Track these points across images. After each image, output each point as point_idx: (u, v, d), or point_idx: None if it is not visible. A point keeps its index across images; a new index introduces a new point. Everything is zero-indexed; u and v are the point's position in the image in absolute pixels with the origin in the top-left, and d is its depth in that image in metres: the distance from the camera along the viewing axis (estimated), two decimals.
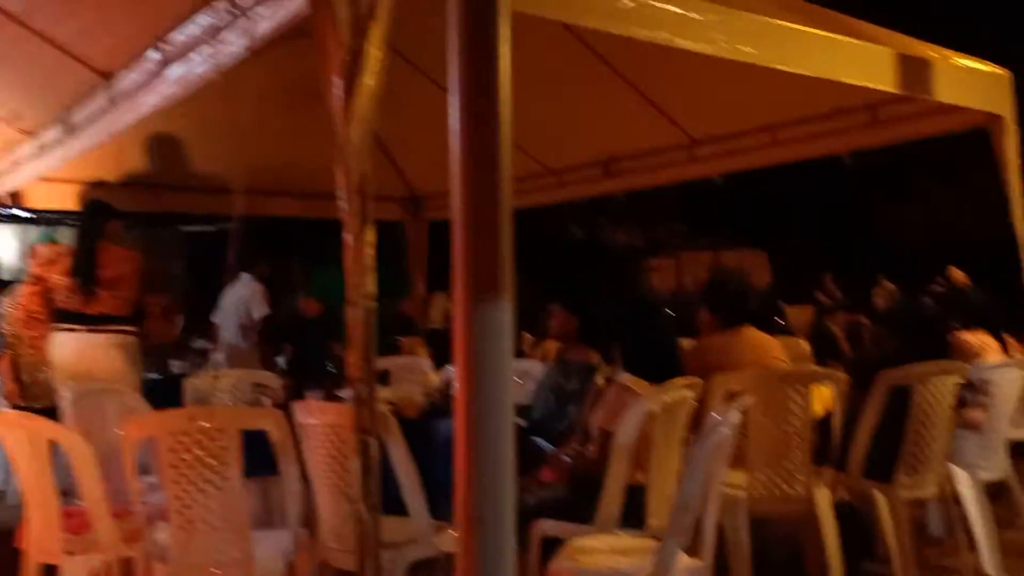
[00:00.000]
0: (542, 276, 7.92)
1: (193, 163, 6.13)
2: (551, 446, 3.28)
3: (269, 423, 2.67)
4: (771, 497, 3.32)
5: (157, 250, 14.26)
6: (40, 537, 2.91)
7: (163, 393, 4.96)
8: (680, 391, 2.95)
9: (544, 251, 12.86)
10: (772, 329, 9.13)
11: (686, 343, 3.89)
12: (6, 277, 10.29)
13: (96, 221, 4.65)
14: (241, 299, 5.98)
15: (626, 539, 2.82)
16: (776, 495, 3.31)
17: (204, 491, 2.59)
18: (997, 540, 3.68)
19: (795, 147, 5.26)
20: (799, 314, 13.54)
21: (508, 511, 1.75)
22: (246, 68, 3.17)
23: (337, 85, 2.30)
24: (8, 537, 3.18)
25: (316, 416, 2.71)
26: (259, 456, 2.87)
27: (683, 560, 2.49)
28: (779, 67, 3.40)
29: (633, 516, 2.96)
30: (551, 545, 2.81)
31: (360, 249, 2.33)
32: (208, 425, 2.57)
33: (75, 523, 2.90)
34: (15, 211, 7.71)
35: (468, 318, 1.74)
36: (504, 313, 1.73)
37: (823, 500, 3.34)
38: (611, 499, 2.87)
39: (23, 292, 4.69)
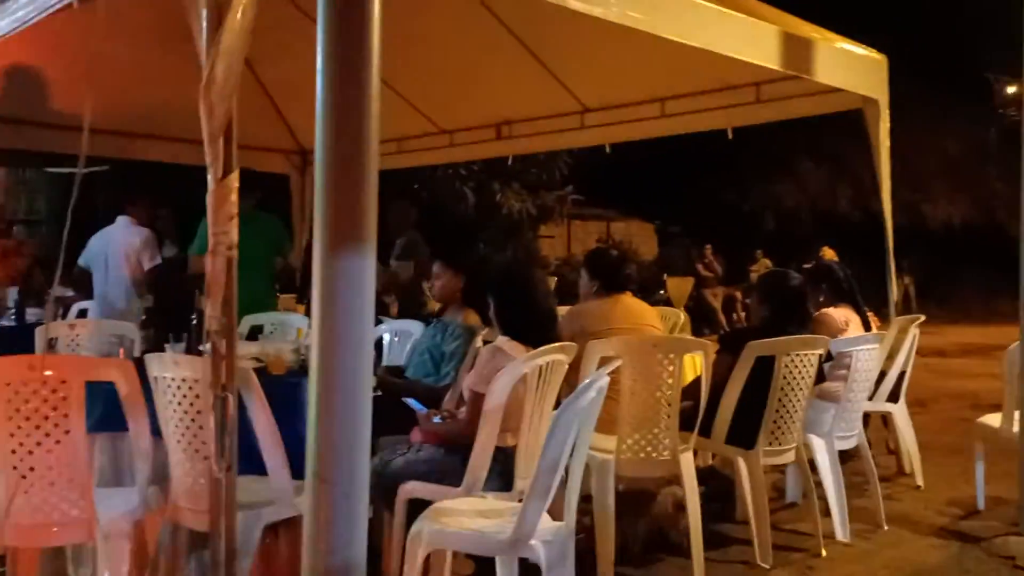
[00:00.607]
0: (434, 236, 7.84)
1: (58, 99, 5.72)
2: (423, 407, 3.23)
3: (116, 375, 2.51)
4: (638, 461, 3.38)
5: (19, 190, 13.38)
6: None
7: (16, 341, 4.65)
8: (553, 355, 2.95)
9: (437, 211, 12.72)
10: (653, 299, 9.37)
11: (563, 309, 3.90)
12: None
13: None
14: (128, 246, 5.49)
15: (492, 502, 2.82)
16: (643, 459, 3.38)
17: (42, 444, 2.41)
18: (848, 506, 3.87)
19: (683, 120, 5.35)
20: (681, 285, 13.98)
21: (361, 471, 1.69)
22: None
23: (202, 17, 2.15)
24: None
25: (170, 369, 2.57)
26: (109, 410, 2.71)
27: (546, 522, 2.50)
28: (668, 36, 3.41)
29: (501, 479, 2.96)
30: (420, 508, 2.77)
31: (223, 196, 2.20)
32: (49, 374, 2.39)
33: None
34: None
35: (328, 267, 1.66)
36: (365, 264, 1.66)
37: (687, 465, 3.43)
38: (479, 462, 2.85)
39: None
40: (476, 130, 6.36)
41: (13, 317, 5.56)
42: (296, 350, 3.41)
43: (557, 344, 3.02)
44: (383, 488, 3.00)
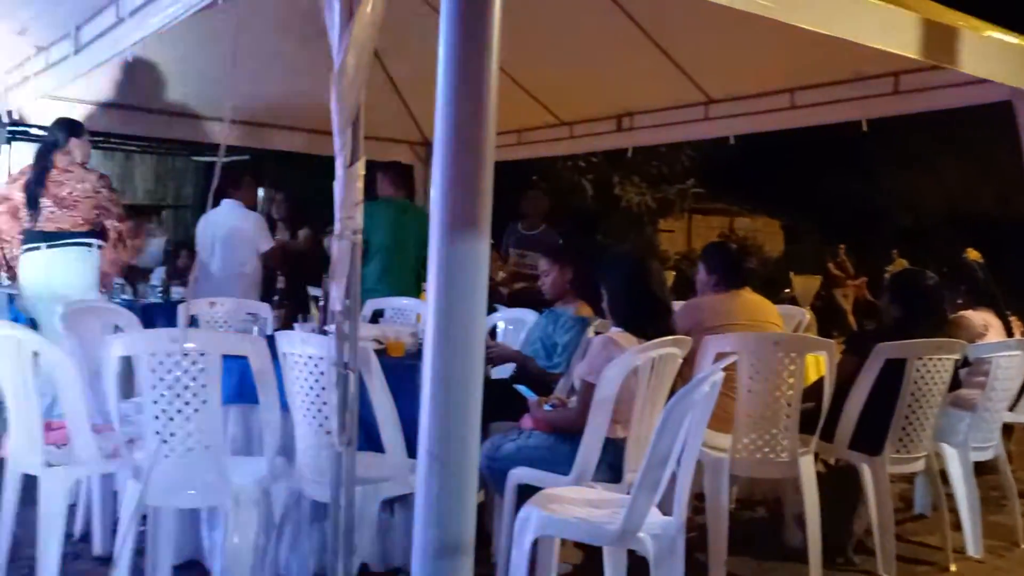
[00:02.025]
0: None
1: (203, 92, 6.08)
2: (534, 395, 3.27)
3: (250, 350, 2.67)
4: (754, 461, 3.31)
5: (169, 178, 14.27)
6: (21, 447, 2.93)
7: (162, 317, 5.00)
8: (666, 348, 2.92)
9: (555, 203, 12.76)
10: (778, 297, 9.06)
11: (679, 303, 3.86)
12: None
13: (53, 139, 4.64)
14: (240, 230, 5.59)
15: (601, 492, 2.82)
16: (759, 460, 3.30)
17: (182, 412, 2.59)
18: (983, 522, 3.67)
19: (814, 112, 5.16)
20: (808, 283, 13.47)
21: (471, 451, 1.74)
22: None
23: (334, 11, 2.24)
24: None
25: (298, 347, 2.71)
26: (243, 383, 2.88)
27: (655, 516, 2.48)
28: (798, 24, 3.29)
29: (611, 470, 2.96)
30: (528, 494, 2.81)
31: (350, 183, 2.29)
32: (190, 347, 2.57)
33: (57, 436, 2.92)
34: (27, 128, 7.70)
35: (443, 254, 1.71)
36: (480, 251, 1.70)
37: (807, 468, 3.33)
38: (588, 451, 2.86)
39: None
40: (596, 121, 6.33)
41: (160, 294, 5.96)
42: (414, 334, 3.52)
43: (671, 337, 2.99)
44: (493, 472, 3.06)
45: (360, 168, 2.30)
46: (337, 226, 2.31)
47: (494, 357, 3.72)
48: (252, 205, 5.86)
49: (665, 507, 2.53)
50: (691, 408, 2.37)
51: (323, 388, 2.63)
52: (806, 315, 5.50)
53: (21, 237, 4.56)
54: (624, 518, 2.39)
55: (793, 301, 11.22)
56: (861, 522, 3.55)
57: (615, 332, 3.04)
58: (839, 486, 3.64)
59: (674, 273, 11.27)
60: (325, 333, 3.10)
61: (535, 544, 2.56)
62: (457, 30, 1.72)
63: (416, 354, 3.28)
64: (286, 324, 4.03)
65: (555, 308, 3.98)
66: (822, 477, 3.51)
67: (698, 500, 3.38)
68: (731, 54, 4.86)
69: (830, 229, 14.85)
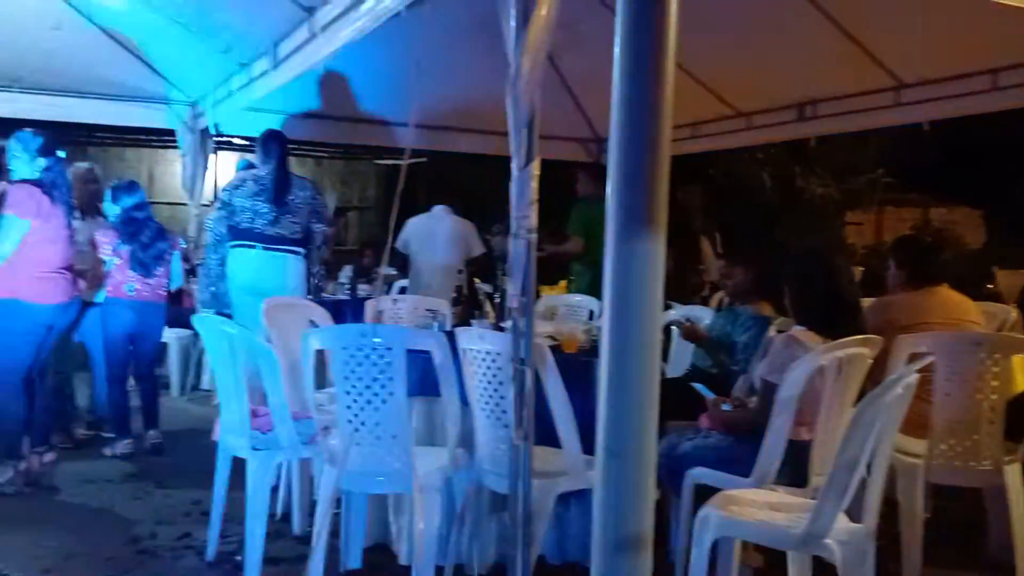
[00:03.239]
0: (729, 223, 7.67)
1: (387, 98, 6.40)
2: (712, 394, 3.20)
3: (432, 345, 2.79)
4: (952, 469, 3.09)
5: (354, 180, 15.07)
6: (231, 433, 3.22)
7: (349, 312, 5.31)
8: (854, 348, 2.78)
9: (733, 197, 12.38)
10: (978, 293, 8.36)
11: (868, 301, 3.65)
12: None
13: (282, 149, 4.98)
14: (455, 233, 6.25)
15: (784, 495, 2.73)
16: (958, 467, 3.08)
17: (371, 403, 2.75)
18: None
19: (1020, 93, 4.72)
20: (1014, 279, 12.31)
21: (649, 448, 1.73)
22: (434, 3, 3.25)
23: (511, 15, 2.30)
24: (208, 431, 3.54)
25: (476, 342, 2.80)
26: (425, 377, 3.01)
27: (842, 522, 2.38)
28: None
29: (794, 473, 2.85)
30: (705, 494, 2.77)
31: (525, 183, 2.35)
32: (377, 341, 2.72)
33: (261, 422, 3.17)
34: (230, 139, 8.39)
35: (619, 251, 1.71)
36: (656, 248, 1.69)
37: (1014, 477, 3.07)
38: (770, 453, 2.77)
39: (211, 216, 5.06)
40: (775, 111, 6.09)
41: (347, 291, 6.35)
42: (588, 330, 3.54)
43: (859, 336, 2.84)
44: (670, 471, 3.03)
45: (535, 168, 2.35)
46: (512, 225, 2.37)
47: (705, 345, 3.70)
48: (460, 212, 6.47)
49: (854, 514, 2.41)
50: (882, 411, 2.24)
51: (500, 383, 2.70)
52: (1011, 313, 5.04)
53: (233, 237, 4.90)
54: (809, 522, 2.31)
55: (996, 298, 10.31)
56: None
57: (798, 331, 2.93)
58: None
59: (862, 269, 10.64)
60: (502, 329, 3.19)
61: (715, 545, 2.52)
62: (633, 23, 1.72)
63: (590, 350, 3.30)
64: (463, 320, 4.17)
65: (734, 307, 3.88)
66: None
67: (890, 507, 3.20)
68: (924, 34, 4.54)
69: None
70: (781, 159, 13.31)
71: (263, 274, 4.80)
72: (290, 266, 4.87)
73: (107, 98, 6.47)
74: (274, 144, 4.99)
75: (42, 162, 4.14)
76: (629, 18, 1.71)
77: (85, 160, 5.83)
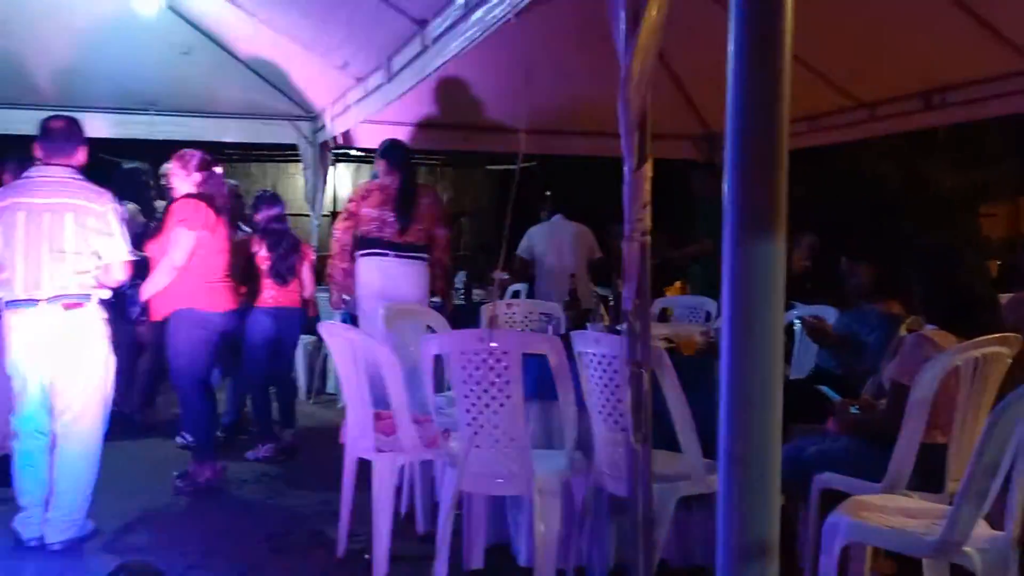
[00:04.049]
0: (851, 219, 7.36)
1: (496, 105, 6.48)
2: (838, 396, 3.10)
3: (548, 349, 2.81)
4: None
5: (466, 187, 15.33)
6: (357, 436, 3.33)
7: (465, 317, 5.41)
8: (991, 347, 2.63)
9: (855, 192, 11.90)
10: None
11: (1005, 296, 3.45)
12: (340, 210, 11.64)
13: (406, 159, 5.11)
14: (575, 240, 6.46)
15: (918, 501, 2.62)
16: None
17: (489, 406, 2.79)
18: None
19: None
20: None
21: (773, 453, 1.69)
22: (539, 9, 3.28)
23: (621, 18, 2.30)
24: (335, 434, 3.68)
25: (591, 346, 2.80)
26: (541, 380, 3.04)
27: (982, 529, 2.26)
28: None
29: (928, 478, 2.73)
30: (832, 499, 2.68)
31: (639, 184, 2.34)
32: (494, 346, 2.76)
33: (385, 425, 3.28)
34: (347, 151, 8.68)
35: (738, 251, 1.68)
36: (776, 248, 1.65)
37: None
38: (902, 458, 2.66)
39: (338, 226, 5.16)
40: (900, 101, 5.81)
41: (462, 296, 6.46)
42: (705, 332, 3.49)
43: (997, 335, 2.69)
44: (795, 476, 2.94)
45: (648, 170, 2.33)
46: (626, 228, 2.36)
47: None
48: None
49: (995, 520, 2.29)
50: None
51: (617, 386, 2.70)
52: None
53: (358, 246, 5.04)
54: (946, 529, 2.20)
55: None
56: None
57: (930, 330, 2.80)
58: None
59: (998, 263, 10.02)
60: (616, 332, 3.18)
61: (844, 552, 2.43)
62: (747, 21, 1.69)
63: (707, 352, 3.25)
64: (577, 324, 4.18)
65: (860, 306, 3.73)
66: None
67: None
68: None
69: None
70: (906, 150, 12.70)
71: (395, 281, 4.92)
72: (419, 273, 4.99)
73: (234, 117, 6.83)
74: (398, 154, 5.12)
75: (197, 176, 4.40)
76: (744, 9, 1.68)
77: None
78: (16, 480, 3.56)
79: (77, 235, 3.50)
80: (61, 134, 3.62)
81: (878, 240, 5.65)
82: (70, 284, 3.48)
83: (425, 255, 5.02)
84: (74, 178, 3.58)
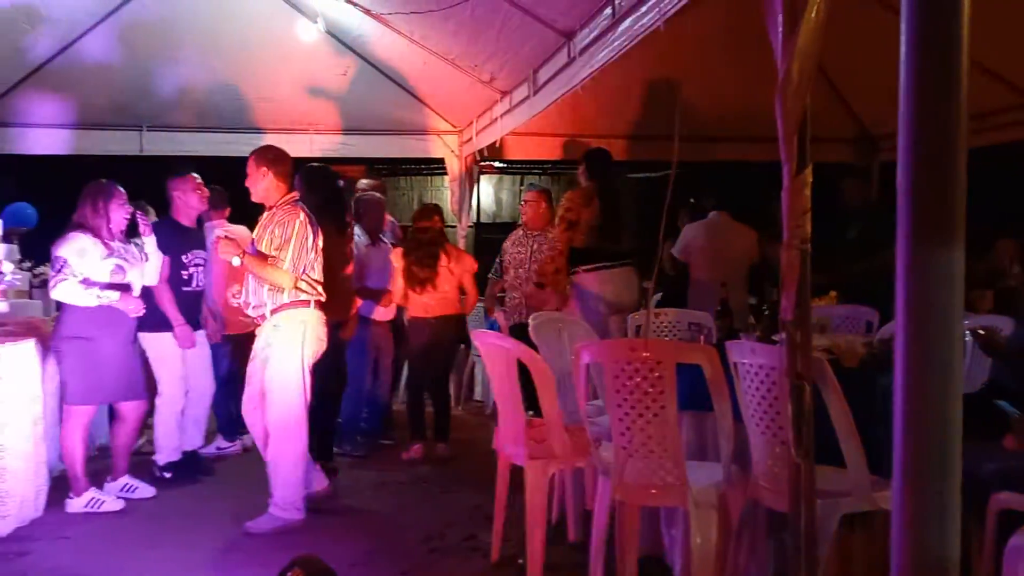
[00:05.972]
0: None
1: (637, 112, 6.45)
2: (1016, 411, 2.89)
3: (703, 359, 2.77)
4: None
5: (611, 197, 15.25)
6: (509, 442, 3.40)
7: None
8: None
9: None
10: None
11: None
12: (484, 220, 11.88)
13: (605, 166, 5.21)
14: (734, 240, 6.02)
15: None
16: None
17: (643, 416, 2.78)
18: None
19: None
20: None
21: (952, 474, 1.62)
22: (688, 16, 3.25)
23: (779, 22, 2.25)
24: (487, 440, 3.77)
25: (749, 356, 2.74)
26: (695, 391, 3.00)
27: None
28: None
29: None
30: (1013, 521, 2.51)
31: (798, 191, 2.28)
32: (647, 356, 2.75)
33: (537, 433, 3.33)
34: (495, 162, 8.87)
35: (912, 265, 1.61)
36: (953, 260, 1.57)
37: None
38: None
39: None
40: None
41: None
42: (868, 343, 3.33)
43: None
44: (970, 495, 2.76)
45: (808, 175, 2.27)
46: (785, 235, 2.30)
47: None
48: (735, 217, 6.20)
49: None
50: None
51: (775, 398, 2.62)
52: None
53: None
54: None
55: None
56: None
57: None
58: None
59: None
60: (773, 342, 3.09)
61: None
62: (921, 22, 1.63)
63: (871, 363, 3.11)
64: (728, 334, 4.08)
65: None
66: None
67: None
68: None
69: None
70: None
71: (615, 288, 5.00)
72: (633, 278, 5.07)
73: (387, 133, 7.13)
74: (599, 162, 5.25)
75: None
76: (917, 9, 1.62)
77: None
78: None
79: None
80: None
81: None
82: None
83: (631, 263, 5.06)
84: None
